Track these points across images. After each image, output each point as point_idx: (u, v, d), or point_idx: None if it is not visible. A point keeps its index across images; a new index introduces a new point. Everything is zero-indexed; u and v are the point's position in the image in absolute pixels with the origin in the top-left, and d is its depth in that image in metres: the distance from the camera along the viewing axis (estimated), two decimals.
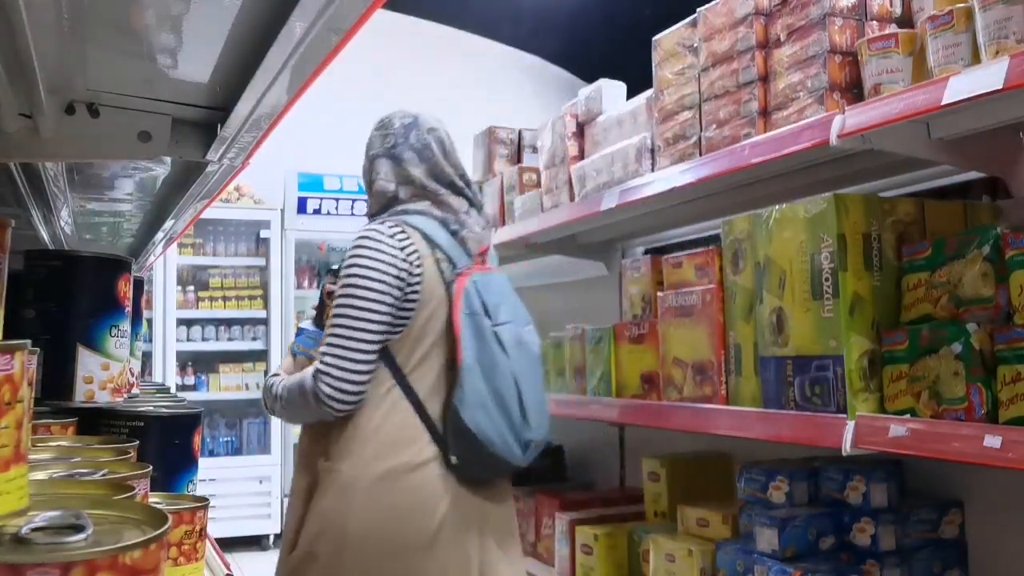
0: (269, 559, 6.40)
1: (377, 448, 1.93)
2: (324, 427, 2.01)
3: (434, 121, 2.19)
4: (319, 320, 2.20)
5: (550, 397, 2.17)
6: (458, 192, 2.12)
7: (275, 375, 2.14)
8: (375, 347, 1.94)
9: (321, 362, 1.93)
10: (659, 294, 2.31)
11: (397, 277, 1.96)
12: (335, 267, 2.16)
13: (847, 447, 1.63)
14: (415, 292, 1.98)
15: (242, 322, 7.01)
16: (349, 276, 1.97)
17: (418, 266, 1.99)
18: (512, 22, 7.63)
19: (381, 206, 2.14)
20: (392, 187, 2.12)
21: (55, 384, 1.49)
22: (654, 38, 2.38)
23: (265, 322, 6.95)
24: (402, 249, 1.98)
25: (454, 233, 2.06)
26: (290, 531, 2.05)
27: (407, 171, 2.11)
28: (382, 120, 2.20)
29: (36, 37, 0.95)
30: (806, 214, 1.80)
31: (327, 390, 1.90)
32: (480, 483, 2.01)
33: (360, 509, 1.91)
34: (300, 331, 2.25)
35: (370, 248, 1.97)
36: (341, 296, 1.97)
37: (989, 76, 1.41)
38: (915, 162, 1.89)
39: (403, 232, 2.01)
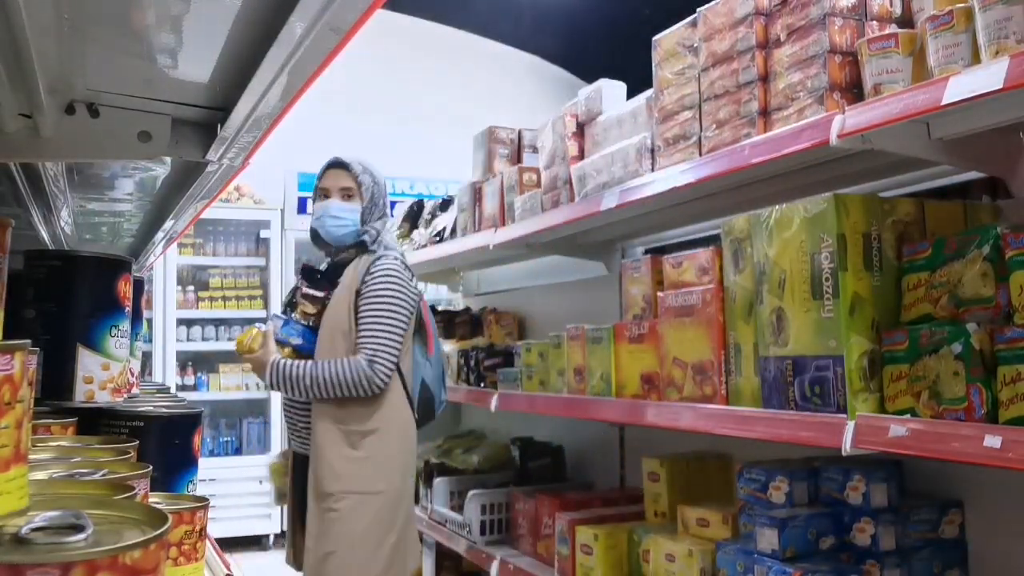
0: (269, 559, 6.40)
1: (392, 409, 2.86)
2: (344, 405, 2.78)
3: None
4: (286, 312, 3.00)
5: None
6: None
7: (282, 360, 2.80)
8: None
9: (375, 356, 2.75)
10: (659, 294, 2.31)
11: (414, 296, 2.88)
12: (309, 266, 3.01)
13: (847, 447, 1.63)
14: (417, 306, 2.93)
15: (242, 322, 7.00)
16: (389, 296, 2.80)
17: (416, 289, 2.93)
18: (512, 22, 7.64)
19: (378, 233, 2.95)
20: (394, 228, 3.18)
21: (55, 384, 1.48)
22: (654, 38, 2.38)
23: (265, 322, 6.93)
24: (411, 277, 2.91)
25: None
26: (319, 480, 2.77)
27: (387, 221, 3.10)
28: (378, 176, 2.99)
29: (36, 37, 0.95)
30: (806, 214, 1.80)
31: (382, 372, 2.75)
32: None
33: (396, 452, 2.85)
34: (286, 321, 2.91)
35: (398, 276, 2.84)
36: (383, 309, 2.79)
37: (989, 76, 1.40)
38: (915, 162, 1.89)
39: (405, 266, 2.92)
